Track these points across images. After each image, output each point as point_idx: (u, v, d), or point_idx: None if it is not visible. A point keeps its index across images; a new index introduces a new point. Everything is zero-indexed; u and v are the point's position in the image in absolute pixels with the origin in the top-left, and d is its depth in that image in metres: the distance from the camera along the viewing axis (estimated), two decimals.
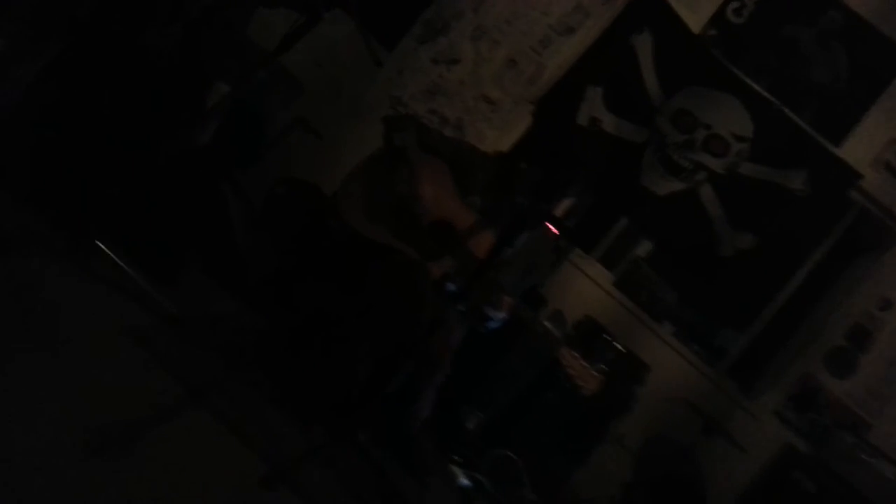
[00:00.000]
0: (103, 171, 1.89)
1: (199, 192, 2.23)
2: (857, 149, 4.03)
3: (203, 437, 1.77)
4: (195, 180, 2.18)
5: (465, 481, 2.91)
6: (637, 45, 4.06)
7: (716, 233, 4.02)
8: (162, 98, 2.07)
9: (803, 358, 3.92)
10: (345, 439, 1.96)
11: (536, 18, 4.01)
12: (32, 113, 1.99)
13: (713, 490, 3.73)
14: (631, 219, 4.19)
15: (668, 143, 4.04)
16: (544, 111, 4.04)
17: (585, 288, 4.02)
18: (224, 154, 2.42)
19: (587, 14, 4.03)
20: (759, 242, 3.97)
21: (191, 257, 2.32)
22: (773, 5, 4.09)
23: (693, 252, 4.06)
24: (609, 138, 4.08)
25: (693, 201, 4.05)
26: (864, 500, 3.45)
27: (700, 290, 4.08)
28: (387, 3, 3.70)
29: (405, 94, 3.88)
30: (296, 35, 2.31)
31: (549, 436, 3.46)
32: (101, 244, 1.82)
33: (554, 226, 3.82)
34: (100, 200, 1.83)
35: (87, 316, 1.82)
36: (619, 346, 3.66)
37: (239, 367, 2.17)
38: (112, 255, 1.83)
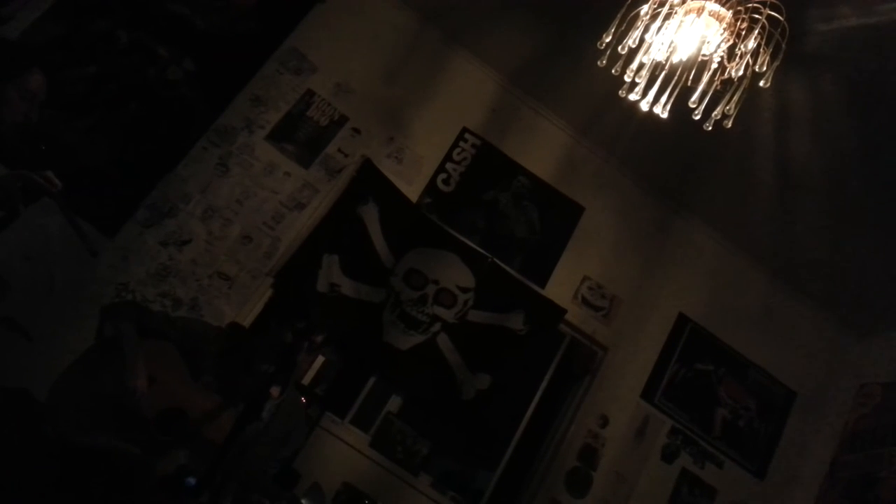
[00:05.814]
0: None
1: None
2: (559, 288, 4.66)
3: None
4: None
5: None
6: (364, 215, 4.40)
7: (456, 378, 4.33)
8: None
9: (547, 485, 4.25)
10: None
11: (267, 197, 4.17)
12: None
13: None
14: (378, 376, 4.35)
15: (404, 301, 4.36)
16: (284, 282, 4.14)
17: (342, 454, 3.97)
18: None
19: (315, 190, 4.30)
20: (493, 381, 4.34)
21: None
22: (474, 175, 4.75)
23: (439, 399, 4.28)
24: (349, 301, 4.28)
25: (433, 351, 4.34)
26: None
27: (451, 436, 4.29)
28: (103, 194, 3.59)
29: (132, 279, 3.71)
30: None
31: None
32: None
33: (301, 394, 3.79)
34: None
35: None
36: None
37: None
38: None
